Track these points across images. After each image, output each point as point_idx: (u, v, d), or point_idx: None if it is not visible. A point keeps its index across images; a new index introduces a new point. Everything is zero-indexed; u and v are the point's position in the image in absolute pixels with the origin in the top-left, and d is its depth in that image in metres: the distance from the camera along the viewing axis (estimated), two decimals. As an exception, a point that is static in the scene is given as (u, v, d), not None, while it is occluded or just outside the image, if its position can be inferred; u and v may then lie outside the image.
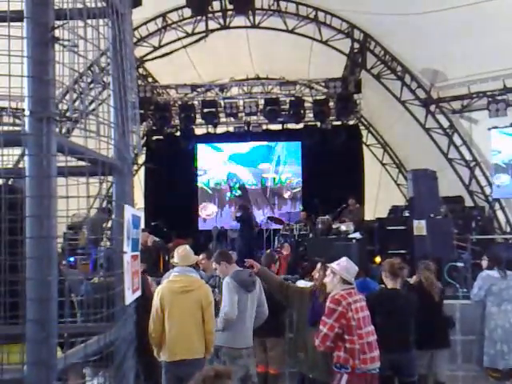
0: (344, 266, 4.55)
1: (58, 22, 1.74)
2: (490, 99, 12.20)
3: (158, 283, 5.61)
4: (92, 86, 2.86)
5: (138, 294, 2.22)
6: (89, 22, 1.92)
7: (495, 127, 12.23)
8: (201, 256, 6.36)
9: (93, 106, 2.16)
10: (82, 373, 3.31)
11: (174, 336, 4.78)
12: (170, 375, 4.87)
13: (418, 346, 5.21)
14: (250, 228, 11.68)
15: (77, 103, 1.98)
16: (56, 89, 1.69)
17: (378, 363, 4.40)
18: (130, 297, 2.06)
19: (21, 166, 1.96)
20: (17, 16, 1.74)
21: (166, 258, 9.93)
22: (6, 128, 2.30)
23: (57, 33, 1.71)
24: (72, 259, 7.71)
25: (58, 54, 1.72)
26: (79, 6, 1.88)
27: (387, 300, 5.13)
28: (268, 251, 9.11)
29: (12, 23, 1.76)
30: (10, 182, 2.54)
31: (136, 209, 2.48)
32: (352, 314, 4.32)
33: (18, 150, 2.11)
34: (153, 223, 13.32)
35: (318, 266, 5.34)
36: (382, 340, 4.48)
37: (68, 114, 1.86)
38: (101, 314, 1.87)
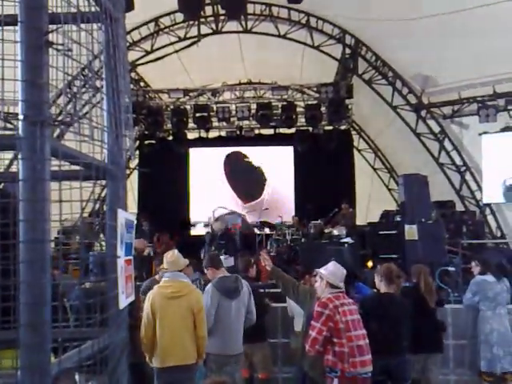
0: (330, 270, 4.59)
1: (51, 27, 1.74)
2: (480, 105, 12.31)
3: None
4: (85, 89, 2.85)
5: (132, 298, 2.21)
6: (82, 26, 1.92)
7: (485, 132, 12.33)
8: None
9: (86, 109, 2.15)
10: (74, 379, 3.29)
11: (165, 342, 4.72)
12: (162, 382, 4.83)
13: (412, 351, 5.20)
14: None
15: (69, 107, 1.98)
16: (49, 93, 1.69)
17: (369, 367, 4.37)
18: (124, 301, 2.06)
19: (11, 169, 1.96)
20: (11, 20, 1.74)
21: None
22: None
23: (50, 37, 1.70)
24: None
25: (51, 57, 1.71)
26: (73, 10, 1.87)
27: (381, 305, 5.11)
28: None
29: (6, 27, 1.75)
30: (0, 186, 2.53)
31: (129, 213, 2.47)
32: (339, 317, 4.31)
33: (8, 154, 2.10)
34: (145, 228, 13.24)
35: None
36: (375, 344, 4.47)
37: (61, 118, 1.86)
38: (94, 318, 1.86)
